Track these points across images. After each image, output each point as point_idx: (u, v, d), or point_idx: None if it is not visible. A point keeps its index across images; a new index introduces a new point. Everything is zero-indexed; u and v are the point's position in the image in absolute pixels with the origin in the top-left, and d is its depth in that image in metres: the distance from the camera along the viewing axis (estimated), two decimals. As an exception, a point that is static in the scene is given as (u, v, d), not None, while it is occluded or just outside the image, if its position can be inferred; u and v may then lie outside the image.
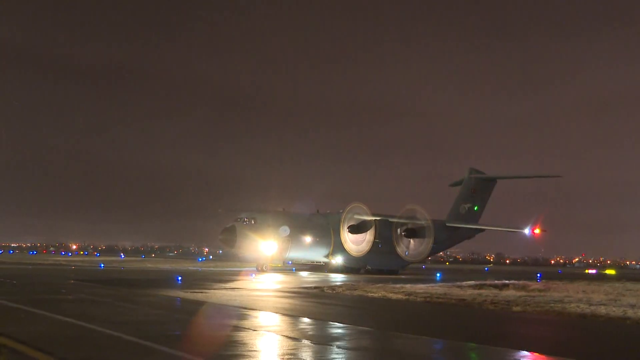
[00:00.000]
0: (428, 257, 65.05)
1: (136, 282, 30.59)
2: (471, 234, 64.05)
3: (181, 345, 11.31)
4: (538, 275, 54.95)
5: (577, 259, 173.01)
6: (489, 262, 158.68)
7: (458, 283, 34.27)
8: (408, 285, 30.80)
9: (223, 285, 29.90)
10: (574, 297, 24.63)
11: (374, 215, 54.01)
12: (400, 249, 54.75)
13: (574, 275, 63.73)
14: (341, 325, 15.22)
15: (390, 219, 54.58)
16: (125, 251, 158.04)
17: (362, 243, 53.92)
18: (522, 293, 27.17)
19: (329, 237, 54.87)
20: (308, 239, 53.97)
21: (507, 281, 36.22)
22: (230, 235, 50.81)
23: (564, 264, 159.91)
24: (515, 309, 20.23)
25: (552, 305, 21.09)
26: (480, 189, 63.60)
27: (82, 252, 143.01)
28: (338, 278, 41.65)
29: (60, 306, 17.72)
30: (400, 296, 24.11)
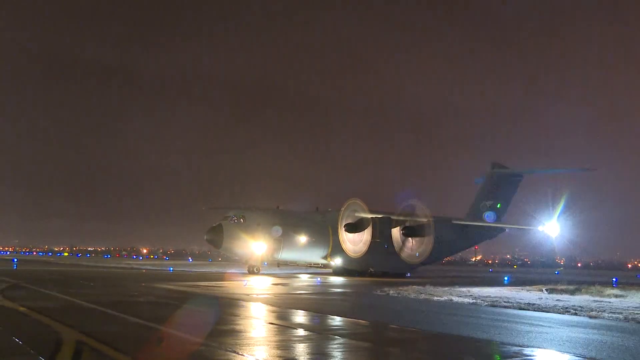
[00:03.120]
0: (439, 259, 59.75)
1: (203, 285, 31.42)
2: (491, 233, 58.87)
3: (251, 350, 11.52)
4: (614, 279, 52.24)
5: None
6: (559, 265, 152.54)
7: (527, 287, 33.17)
8: (475, 289, 30.11)
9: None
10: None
11: (371, 212, 49.53)
12: (400, 249, 49.88)
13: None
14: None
15: (392, 217, 50.23)
16: (193, 255, 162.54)
17: (359, 243, 49.43)
18: (597, 298, 25.96)
19: (327, 236, 50.88)
20: (303, 238, 49.95)
21: (579, 285, 34.71)
22: (216, 235, 47.22)
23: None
24: (589, 314, 19.35)
25: (632, 311, 20.03)
26: (503, 184, 58.94)
27: (152, 256, 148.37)
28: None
29: (133, 308, 18.49)
30: (466, 300, 23.62)
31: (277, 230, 48.34)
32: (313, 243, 50.61)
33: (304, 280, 40.54)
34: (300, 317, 17.38)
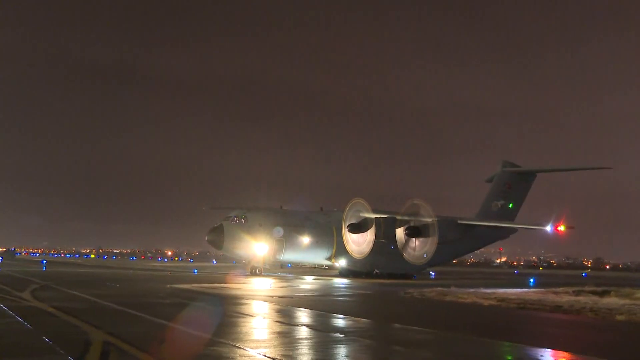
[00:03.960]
0: (446, 260, 57.91)
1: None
2: (503, 233, 57.36)
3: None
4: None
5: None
6: (586, 267, 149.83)
7: (553, 289, 32.62)
8: (500, 291, 29.74)
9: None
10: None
11: (375, 212, 48.66)
12: (404, 250, 48.38)
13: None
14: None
15: (397, 217, 48.81)
16: (217, 257, 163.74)
17: (363, 244, 48.27)
18: (627, 301, 25.33)
19: (331, 237, 49.88)
20: (306, 239, 48.94)
21: (608, 287, 34.01)
22: (217, 236, 46.66)
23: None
24: (619, 317, 18.94)
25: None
26: (515, 184, 57.36)
27: (176, 258, 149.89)
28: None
29: (158, 309, 18.69)
30: (492, 302, 23.35)
31: (279, 230, 47.58)
32: (316, 244, 49.71)
33: (320, 282, 40.53)
34: (351, 321, 17.14)
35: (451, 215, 52.93)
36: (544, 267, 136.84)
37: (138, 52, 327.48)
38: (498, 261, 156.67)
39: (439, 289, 30.31)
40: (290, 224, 48.92)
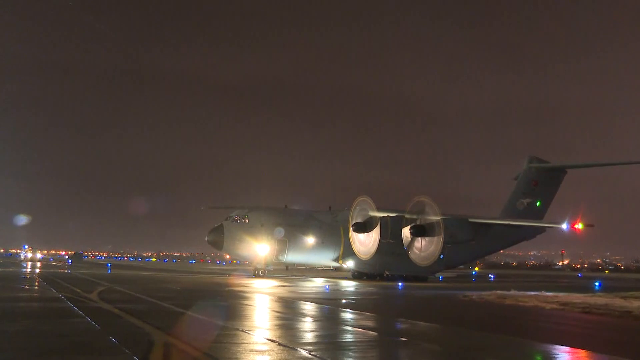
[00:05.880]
0: (459, 261, 54.86)
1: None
2: (527, 234, 54.10)
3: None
4: None
5: None
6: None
7: (621, 293, 31.19)
8: (562, 295, 28.70)
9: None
10: None
11: (380, 210, 46.75)
12: (410, 250, 46.13)
13: None
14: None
15: (405, 215, 46.66)
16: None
17: (368, 244, 46.29)
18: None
19: (338, 237, 48.15)
20: (311, 239, 47.43)
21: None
22: (217, 236, 45.73)
23: None
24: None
25: None
26: (543, 180, 54.36)
27: (234, 261, 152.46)
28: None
29: (218, 311, 19.06)
30: (554, 306, 22.58)
31: (280, 231, 46.28)
32: (322, 244, 48.13)
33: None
34: (423, 326, 17.13)
35: (469, 214, 49.57)
36: (610, 270, 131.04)
37: (138, 52, 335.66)
38: (560, 264, 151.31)
39: (498, 292, 29.54)
40: (293, 223, 47.54)
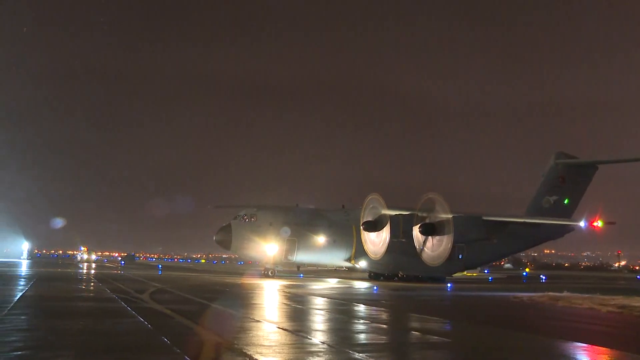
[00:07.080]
0: (485, 262, 52.88)
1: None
2: (553, 232, 51.59)
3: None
4: None
5: None
6: None
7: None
8: (620, 297, 27.61)
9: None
10: None
11: (390, 208, 45.05)
12: (420, 249, 44.28)
13: None
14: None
15: (417, 213, 44.73)
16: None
17: (378, 243, 44.62)
18: None
19: (350, 237, 46.69)
20: (321, 239, 46.18)
21: None
22: (225, 236, 45.11)
23: None
24: None
25: None
26: (571, 177, 51.93)
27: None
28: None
29: (269, 312, 19.29)
30: (611, 309, 21.76)
31: (286, 230, 45.27)
32: (333, 244, 46.79)
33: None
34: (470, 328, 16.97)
35: (473, 212, 47.26)
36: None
37: (137, 51, 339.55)
38: (616, 265, 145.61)
39: (550, 293, 28.71)
40: (303, 222, 46.43)
